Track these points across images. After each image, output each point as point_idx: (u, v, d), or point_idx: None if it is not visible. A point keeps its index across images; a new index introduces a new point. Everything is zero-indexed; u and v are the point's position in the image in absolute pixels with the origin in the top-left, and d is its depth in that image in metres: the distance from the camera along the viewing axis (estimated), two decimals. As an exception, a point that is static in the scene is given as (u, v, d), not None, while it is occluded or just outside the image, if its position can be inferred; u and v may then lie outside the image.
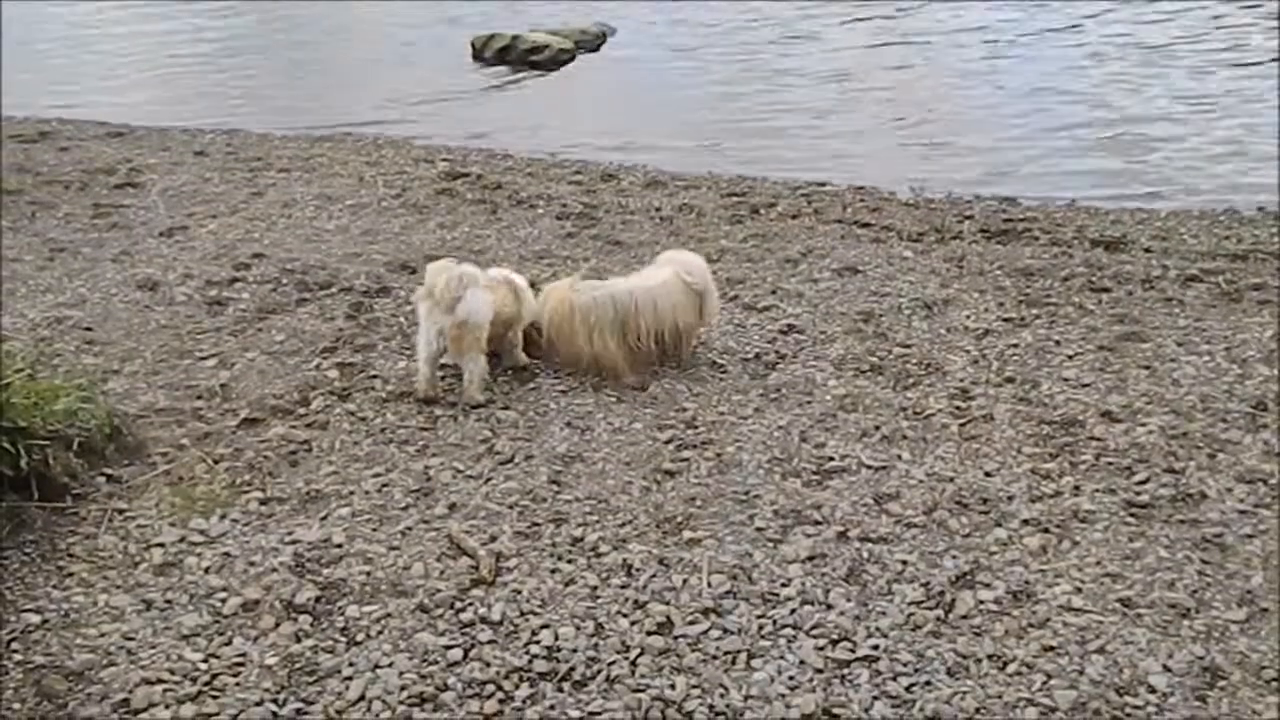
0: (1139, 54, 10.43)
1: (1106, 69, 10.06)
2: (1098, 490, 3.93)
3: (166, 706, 3.01)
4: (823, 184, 7.69)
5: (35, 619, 3.34)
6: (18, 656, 3.19)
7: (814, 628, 3.27)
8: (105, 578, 3.55)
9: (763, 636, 3.25)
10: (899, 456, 4.18)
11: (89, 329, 5.38)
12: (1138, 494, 3.90)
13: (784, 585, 3.46)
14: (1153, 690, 3.02)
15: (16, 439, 3.67)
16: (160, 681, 3.10)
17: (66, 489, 3.86)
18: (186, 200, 7.45)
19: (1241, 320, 5.22)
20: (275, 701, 3.03)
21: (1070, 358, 4.92)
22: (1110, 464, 4.09)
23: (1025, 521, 3.76)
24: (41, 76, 12.16)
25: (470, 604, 3.39)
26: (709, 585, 3.46)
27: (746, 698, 3.02)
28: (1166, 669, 3.09)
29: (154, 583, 3.53)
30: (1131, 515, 3.78)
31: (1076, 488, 3.95)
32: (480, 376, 4.59)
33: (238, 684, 3.10)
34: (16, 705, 3.03)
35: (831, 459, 4.16)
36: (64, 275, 6.10)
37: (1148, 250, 6.20)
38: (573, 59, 11.83)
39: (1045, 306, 5.46)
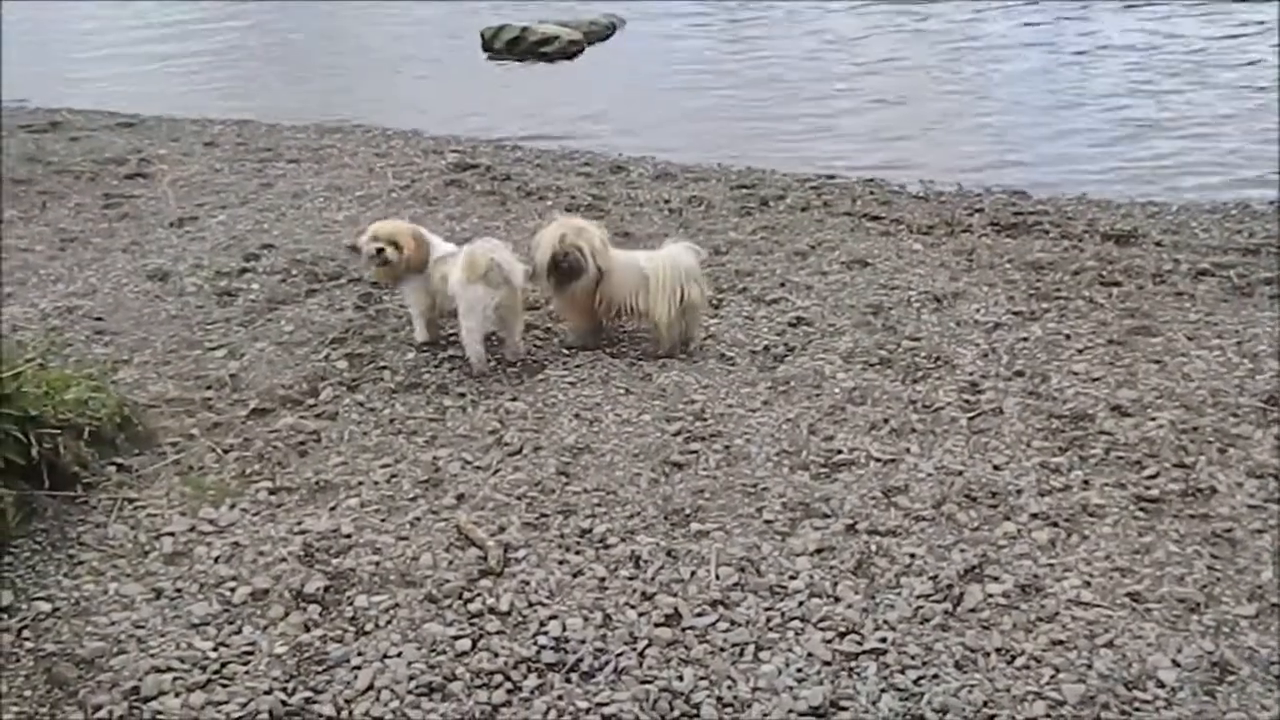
0: (1158, 56, 10.35)
1: (1124, 73, 9.96)
2: (1107, 484, 3.91)
3: (176, 694, 3.03)
4: (832, 176, 7.67)
5: (46, 607, 3.36)
6: (29, 644, 3.21)
7: (822, 620, 3.27)
8: (115, 566, 3.57)
9: (770, 629, 3.25)
10: (908, 450, 4.17)
11: (99, 319, 5.40)
12: (1147, 488, 3.88)
13: (792, 578, 3.46)
14: (1161, 685, 3.01)
15: (27, 428, 3.69)
16: (170, 670, 3.11)
17: (77, 478, 3.87)
18: (196, 191, 7.47)
19: (1253, 315, 5.19)
20: (284, 690, 3.04)
21: (1080, 352, 4.90)
22: (1120, 458, 4.07)
23: (1034, 515, 3.75)
24: (53, 67, 12.20)
25: (478, 594, 3.40)
26: (717, 577, 3.46)
27: (754, 689, 3.02)
28: (1175, 664, 3.08)
29: (164, 571, 3.54)
30: (1141, 510, 3.77)
31: (1086, 482, 3.93)
32: (522, 333, 4.97)
33: (247, 673, 3.11)
34: (28, 692, 3.04)
35: (840, 452, 4.16)
36: (75, 265, 6.12)
37: (1159, 244, 6.17)
38: (582, 50, 11.83)
39: (1055, 300, 5.44)
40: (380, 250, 4.79)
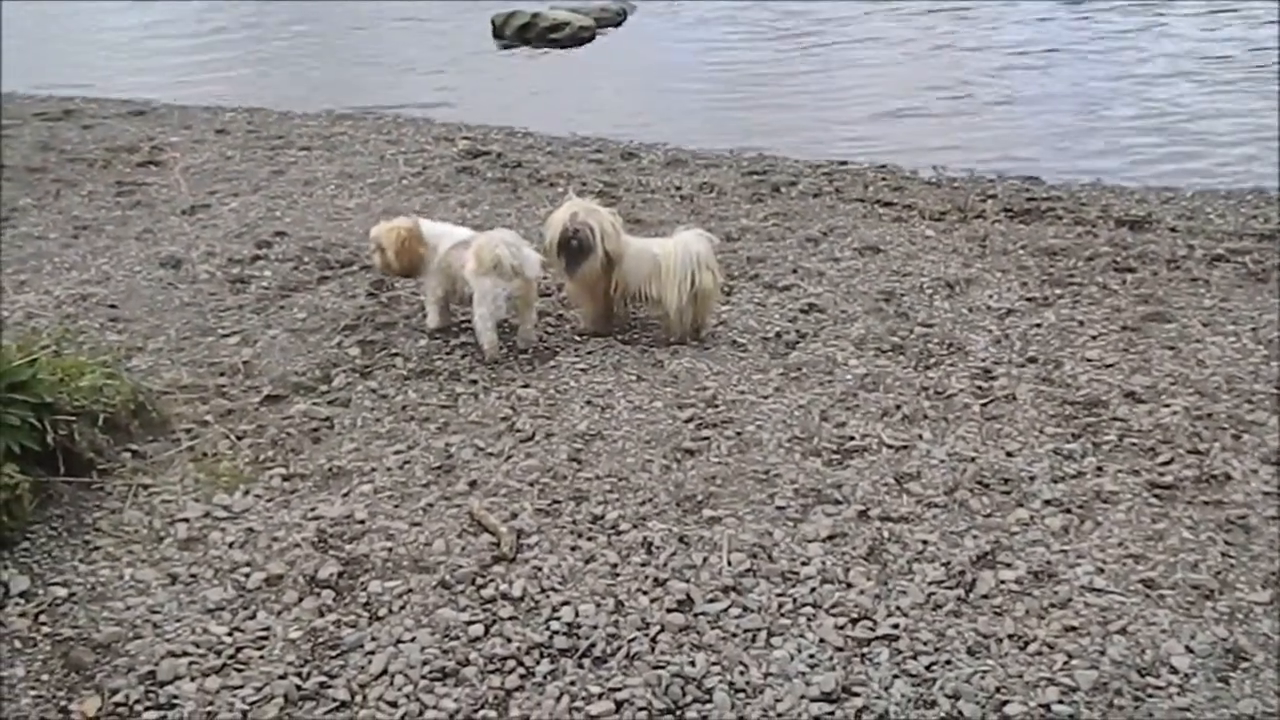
0: (1174, 46, 10.26)
1: (1138, 61, 9.88)
2: (1121, 471, 3.90)
3: (192, 679, 3.05)
4: (844, 162, 7.64)
5: (62, 592, 3.38)
6: (46, 629, 3.24)
7: (834, 606, 3.27)
8: (131, 552, 3.59)
9: (783, 615, 3.25)
10: (920, 436, 4.16)
11: (113, 306, 5.42)
12: (1161, 475, 3.87)
13: (804, 564, 3.46)
14: (1175, 671, 3.00)
15: (43, 414, 3.71)
16: (185, 654, 3.13)
17: (92, 464, 3.89)
18: (208, 178, 7.49)
19: (1268, 301, 5.16)
20: (299, 675, 3.06)
21: (1094, 338, 4.88)
22: (1134, 445, 4.06)
23: (1047, 502, 3.74)
24: (64, 55, 12.22)
25: (491, 580, 3.41)
26: (729, 563, 3.46)
27: (766, 675, 3.03)
28: (1189, 650, 3.07)
29: (179, 557, 3.56)
30: (1155, 496, 3.76)
31: (1099, 468, 3.92)
32: (535, 321, 5.01)
33: (262, 657, 3.13)
34: (45, 676, 3.07)
35: (852, 438, 4.15)
36: (88, 253, 6.14)
37: (1173, 230, 6.14)
38: (593, 37, 11.80)
39: (1069, 286, 5.42)
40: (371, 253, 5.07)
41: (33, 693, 3.01)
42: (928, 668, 3.04)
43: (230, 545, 3.62)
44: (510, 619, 3.25)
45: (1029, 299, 5.28)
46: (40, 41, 12.90)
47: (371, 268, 5.72)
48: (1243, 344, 4.75)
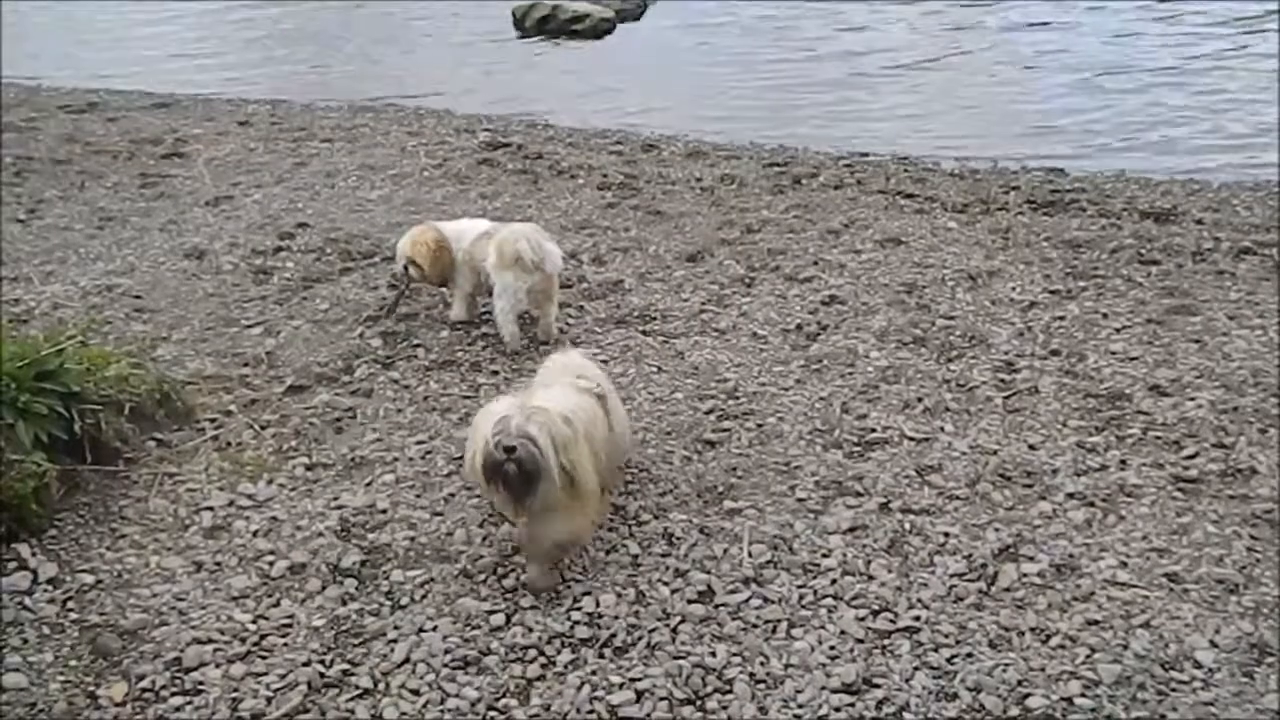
0: (1198, 34, 10.15)
1: (1155, 55, 9.79)
2: (1145, 464, 3.87)
3: (217, 666, 3.08)
4: (866, 154, 7.61)
5: (90, 579, 3.42)
6: (74, 615, 3.27)
7: (855, 598, 3.27)
8: (156, 540, 3.62)
9: (803, 606, 3.25)
10: (942, 428, 4.15)
11: (138, 297, 5.46)
12: (1186, 469, 3.84)
13: (825, 556, 3.45)
14: (1199, 666, 2.99)
15: (70, 404, 3.75)
16: (211, 641, 3.16)
17: (118, 453, 3.93)
18: (232, 170, 7.53)
19: (1295, 293, 5.11)
20: (322, 662, 3.09)
21: (1118, 331, 4.84)
22: (1158, 438, 4.03)
23: (1070, 495, 3.72)
24: (89, 48, 12.31)
25: (512, 570, 3.42)
26: (750, 555, 3.46)
27: (787, 666, 3.03)
28: (1213, 645, 3.05)
29: (204, 545, 3.60)
30: (1179, 490, 3.73)
31: (1123, 462, 3.90)
32: (556, 314, 4.93)
33: (286, 645, 3.16)
34: (73, 662, 3.10)
35: (873, 430, 4.14)
36: (113, 244, 6.19)
37: (1199, 222, 6.08)
38: (613, 29, 11.79)
39: (1093, 279, 5.38)
40: (405, 269, 5.04)
41: (61, 678, 3.05)
42: (949, 660, 3.03)
43: (254, 534, 3.65)
44: (531, 608, 3.27)
45: (1052, 291, 5.25)
46: (64, 35, 12.99)
47: (393, 259, 5.77)
48: (1269, 337, 4.71)
